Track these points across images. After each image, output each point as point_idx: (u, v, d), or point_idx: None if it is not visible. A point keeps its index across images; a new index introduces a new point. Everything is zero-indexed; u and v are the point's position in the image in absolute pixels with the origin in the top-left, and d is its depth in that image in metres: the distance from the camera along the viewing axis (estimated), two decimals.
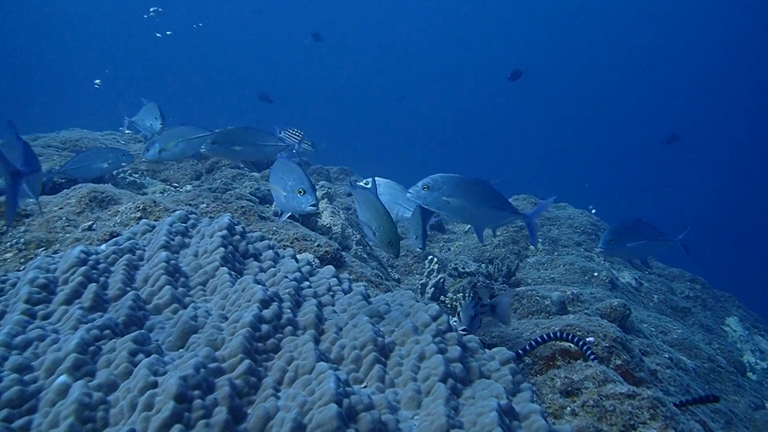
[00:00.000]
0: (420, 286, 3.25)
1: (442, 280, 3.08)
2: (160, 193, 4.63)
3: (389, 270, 4.14)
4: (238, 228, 1.95)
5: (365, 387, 1.49)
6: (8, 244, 2.03)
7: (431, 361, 1.51)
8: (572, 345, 2.49)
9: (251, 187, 4.19)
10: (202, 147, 2.96)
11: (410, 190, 2.61)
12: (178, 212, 1.97)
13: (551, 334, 2.10)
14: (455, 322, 1.91)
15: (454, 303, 2.70)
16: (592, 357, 2.00)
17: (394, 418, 1.35)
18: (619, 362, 2.44)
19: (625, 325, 3.31)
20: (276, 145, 3.10)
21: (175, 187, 4.92)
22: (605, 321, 2.82)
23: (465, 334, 1.71)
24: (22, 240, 2.04)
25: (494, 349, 1.71)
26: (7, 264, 1.95)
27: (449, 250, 4.96)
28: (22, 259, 1.98)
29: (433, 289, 3.05)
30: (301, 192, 2.14)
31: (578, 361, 1.77)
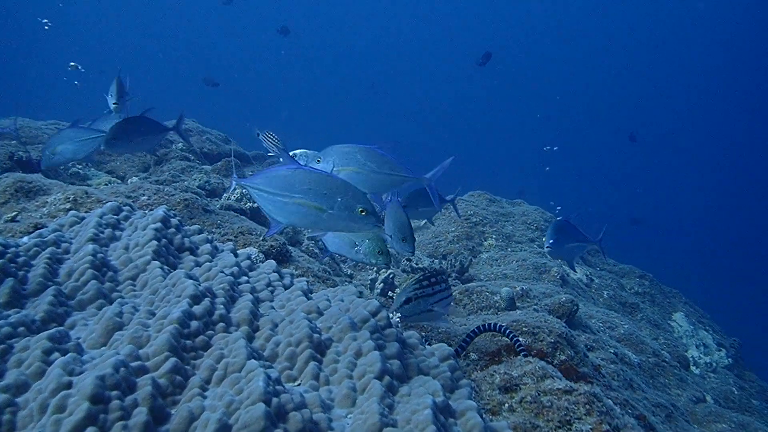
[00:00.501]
0: (369, 282, 3.22)
1: (391, 276, 3.05)
2: (105, 185, 4.46)
3: (341, 265, 4.09)
4: (174, 221, 1.87)
5: (299, 385, 1.44)
6: None
7: (368, 358, 1.47)
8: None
9: (200, 180, 4.07)
10: (102, 146, 2.87)
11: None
12: (109, 203, 1.88)
13: (482, 327, 2.09)
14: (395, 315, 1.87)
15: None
16: (520, 349, 1.99)
17: (327, 417, 1.31)
18: (563, 357, 2.45)
19: (573, 321, 3.35)
20: (166, 129, 3.04)
21: (122, 179, 4.75)
22: (552, 317, 2.84)
23: (401, 327, 1.68)
24: None
25: (434, 346, 1.68)
26: None
27: None
28: None
29: (382, 284, 3.02)
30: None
31: (519, 357, 1.76)
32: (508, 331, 1.99)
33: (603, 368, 2.84)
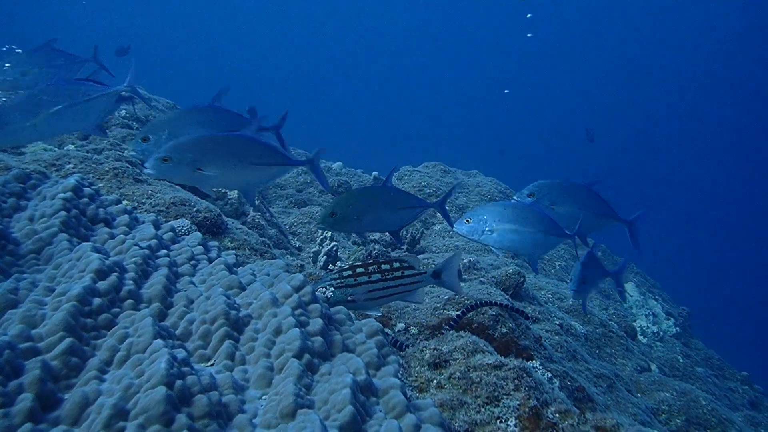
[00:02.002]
0: (312, 255, 3.13)
1: (335, 248, 2.97)
2: (41, 152, 4.23)
3: (290, 237, 3.99)
4: (88, 190, 1.74)
5: (212, 365, 1.36)
6: None
7: (287, 335, 1.39)
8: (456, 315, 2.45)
9: None
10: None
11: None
12: (15, 171, 1.73)
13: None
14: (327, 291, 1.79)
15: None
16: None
17: (239, 399, 1.23)
18: (504, 330, 2.43)
19: (520, 293, 3.34)
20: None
21: (59, 148, 4.52)
22: (495, 289, 2.81)
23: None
24: None
25: (363, 321, 1.61)
26: None
27: None
28: None
29: (325, 257, 2.94)
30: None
31: (451, 332, 1.71)
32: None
33: (546, 340, 2.84)
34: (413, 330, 2.34)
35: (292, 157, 2.31)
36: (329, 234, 3.04)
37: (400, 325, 2.34)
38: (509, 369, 1.54)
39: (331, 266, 2.67)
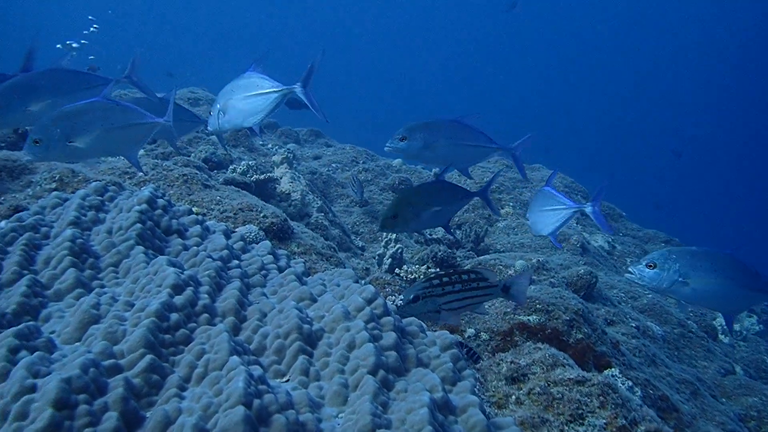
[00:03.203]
0: (377, 257, 3.11)
1: (400, 251, 2.94)
2: (113, 158, 4.39)
3: (353, 237, 3.99)
4: (161, 201, 1.77)
5: (287, 381, 1.34)
6: None
7: (361, 350, 1.36)
8: (530, 319, 2.37)
9: (206, 152, 3.97)
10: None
11: (387, 144, 2.51)
12: (94, 184, 1.78)
13: None
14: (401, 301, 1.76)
15: (412, 275, 2.56)
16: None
17: (315, 417, 1.21)
18: (579, 336, 2.33)
19: (592, 294, 3.21)
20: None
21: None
22: (567, 292, 2.71)
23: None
24: None
25: (436, 333, 1.57)
26: None
27: None
28: None
29: (390, 260, 2.91)
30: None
31: (528, 343, 1.64)
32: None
33: (623, 344, 2.71)
34: (484, 336, 2.28)
35: (152, 116, 2.26)
36: (393, 236, 3.01)
37: (470, 331, 2.29)
38: (593, 385, 1.46)
39: (397, 270, 2.65)
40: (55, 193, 1.76)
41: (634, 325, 3.07)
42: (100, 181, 1.85)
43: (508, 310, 2.43)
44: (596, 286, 3.16)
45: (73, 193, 1.97)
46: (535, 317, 2.36)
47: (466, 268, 2.97)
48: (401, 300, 1.86)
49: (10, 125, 2.99)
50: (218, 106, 2.39)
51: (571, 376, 1.48)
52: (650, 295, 4.06)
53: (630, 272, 2.20)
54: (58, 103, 2.21)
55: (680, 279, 2.09)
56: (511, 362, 1.55)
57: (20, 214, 1.67)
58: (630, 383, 2.19)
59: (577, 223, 4.89)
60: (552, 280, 3.02)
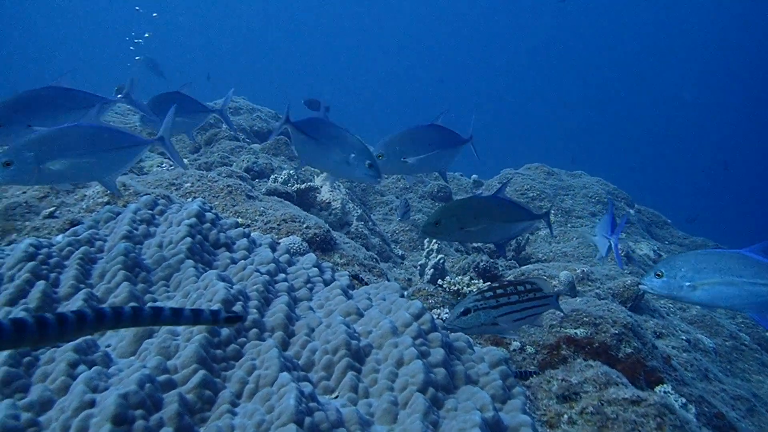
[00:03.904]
0: (419, 267, 3.09)
1: (441, 261, 2.91)
2: (158, 167, 4.49)
3: (393, 246, 3.98)
4: (209, 215, 1.80)
5: (336, 397, 1.34)
6: None
7: (410, 367, 1.35)
8: (577, 333, 2.32)
9: (248, 161, 4.02)
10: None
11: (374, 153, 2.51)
12: (144, 198, 1.82)
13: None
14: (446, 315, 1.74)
15: (454, 286, 2.54)
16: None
17: None
18: (629, 350, 2.27)
19: (639, 305, 3.13)
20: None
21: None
22: (616, 304, 2.64)
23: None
24: None
25: (484, 349, 1.55)
26: None
27: None
28: None
29: (432, 270, 2.89)
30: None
31: (578, 360, 1.60)
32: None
33: (674, 358, 2.63)
34: (529, 349, 2.24)
35: (138, 138, 2.15)
36: (435, 246, 2.99)
37: (516, 344, 2.25)
38: (649, 405, 1.41)
39: (439, 281, 2.62)
40: (107, 207, 1.81)
41: (684, 337, 2.98)
42: (149, 194, 1.89)
43: (554, 322, 2.38)
44: (644, 297, 3.08)
45: (124, 206, 2.01)
46: (582, 330, 2.31)
47: (510, 278, 2.92)
48: (448, 314, 1.84)
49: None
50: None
51: (626, 396, 1.44)
52: (699, 306, 3.93)
53: (643, 284, 2.12)
54: (59, 121, 2.22)
55: (687, 284, 2.02)
56: (562, 380, 1.52)
57: (75, 228, 1.71)
58: (683, 400, 2.12)
59: (621, 232, 4.78)
60: (598, 291, 2.95)
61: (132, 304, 1.50)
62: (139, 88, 2.71)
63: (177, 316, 0.83)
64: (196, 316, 0.84)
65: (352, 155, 2.27)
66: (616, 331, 2.29)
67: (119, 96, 2.63)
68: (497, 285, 1.70)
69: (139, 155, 2.16)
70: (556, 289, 1.77)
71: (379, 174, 2.32)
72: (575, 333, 2.32)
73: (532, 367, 2.11)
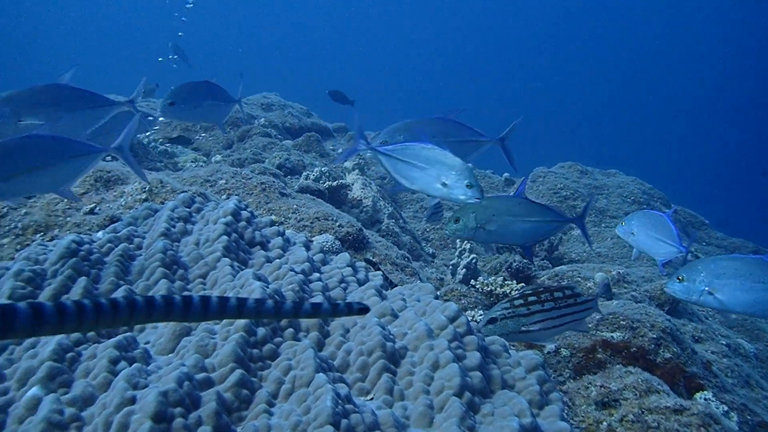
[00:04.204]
0: (451, 267, 3.07)
1: (474, 261, 2.89)
2: (192, 162, 4.55)
3: (424, 244, 3.97)
4: (245, 213, 1.81)
5: (372, 399, 1.34)
6: (6, 228, 1.95)
7: (446, 371, 1.34)
8: (613, 336, 2.28)
9: (281, 158, 4.05)
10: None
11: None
12: (181, 195, 1.84)
13: None
14: (481, 316, 1.72)
15: (487, 287, 2.52)
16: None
17: None
18: (667, 355, 2.22)
19: (677, 308, 3.06)
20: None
21: (207, 155, 4.83)
22: (653, 307, 2.58)
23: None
24: (20, 224, 1.96)
25: (520, 353, 1.53)
26: (3, 250, 1.87)
27: None
28: (18, 246, 1.91)
29: (464, 270, 2.86)
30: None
31: (617, 366, 1.57)
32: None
33: (714, 364, 2.56)
34: (564, 352, 2.21)
35: (93, 146, 2.03)
36: (467, 246, 2.96)
37: (550, 347, 2.22)
38: (692, 414, 1.38)
39: (472, 281, 2.60)
40: (146, 204, 1.83)
41: (724, 342, 2.90)
42: (186, 192, 1.91)
43: (590, 325, 2.34)
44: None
45: (161, 203, 2.04)
46: (618, 334, 2.27)
47: (545, 281, 2.88)
48: (482, 316, 1.82)
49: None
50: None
51: (668, 404, 1.40)
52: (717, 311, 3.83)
53: (666, 288, 2.15)
54: (56, 118, 2.20)
55: (706, 289, 2.04)
56: (601, 386, 1.49)
57: (115, 225, 1.74)
58: (725, 408, 2.06)
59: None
60: (634, 293, 2.89)
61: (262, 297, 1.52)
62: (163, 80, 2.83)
63: (317, 310, 0.85)
64: (334, 309, 0.86)
65: (451, 175, 2.19)
66: (654, 336, 2.24)
67: (127, 100, 2.54)
68: (529, 291, 1.67)
69: (93, 164, 2.04)
70: (591, 292, 1.73)
71: (482, 193, 2.23)
72: (612, 336, 2.28)
73: (567, 371, 2.08)
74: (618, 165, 5.73)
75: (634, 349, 2.21)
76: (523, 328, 1.62)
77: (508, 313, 1.60)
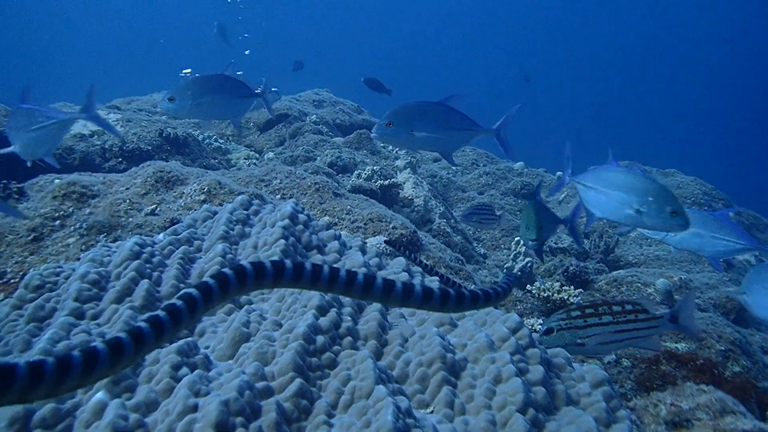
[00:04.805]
0: (505, 270, 3.01)
1: (529, 265, 2.82)
2: (244, 159, 4.61)
3: (475, 244, 3.91)
4: (302, 216, 1.80)
5: (432, 413, 1.31)
6: (71, 228, 2.01)
7: (508, 385, 1.29)
8: (678, 347, 2.19)
9: (332, 156, 4.05)
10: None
11: (373, 131, 2.57)
12: (240, 198, 1.84)
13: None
14: (540, 325, 1.67)
15: (544, 293, 2.44)
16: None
17: None
18: (737, 369, 2.12)
19: (744, 317, 2.91)
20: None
21: (260, 152, 4.89)
22: (720, 317, 2.47)
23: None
24: (84, 224, 2.01)
25: (585, 368, 1.47)
26: (69, 250, 1.92)
27: None
28: (83, 246, 1.96)
29: (519, 273, 2.79)
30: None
31: (688, 383, 1.49)
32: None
33: None
34: (625, 362, 2.13)
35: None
36: (523, 249, 2.89)
37: (611, 356, 2.14)
38: None
39: (528, 286, 2.54)
40: (205, 206, 1.85)
41: None
42: (244, 194, 1.92)
43: None
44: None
45: (219, 204, 2.06)
46: (684, 345, 2.18)
47: (603, 286, 2.79)
48: (541, 324, 1.77)
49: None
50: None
51: (747, 428, 1.32)
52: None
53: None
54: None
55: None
56: (672, 404, 1.42)
57: (175, 227, 1.76)
58: None
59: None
60: (698, 301, 2.77)
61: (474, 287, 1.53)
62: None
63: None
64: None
65: (649, 201, 2.05)
66: (722, 348, 2.14)
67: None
68: (588, 303, 1.61)
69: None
70: (675, 307, 1.63)
71: (688, 222, 2.09)
72: (676, 347, 2.19)
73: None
74: (677, 164, 5.51)
75: (701, 361, 2.11)
76: (578, 341, 1.56)
77: (565, 324, 1.55)
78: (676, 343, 2.19)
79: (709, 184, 5.10)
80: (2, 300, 1.72)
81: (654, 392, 1.54)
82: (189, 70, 5.41)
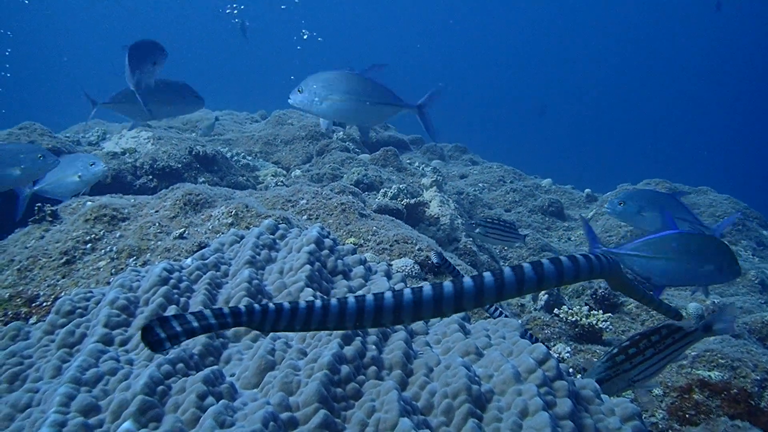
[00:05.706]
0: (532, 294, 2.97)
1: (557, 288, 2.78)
2: (272, 176, 4.66)
3: (502, 263, 3.87)
4: (328, 241, 1.81)
5: None
6: (102, 251, 2.05)
7: (535, 420, 1.27)
8: (710, 375, 2.13)
9: (359, 173, 4.07)
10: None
11: (290, 97, 2.57)
12: (266, 222, 1.86)
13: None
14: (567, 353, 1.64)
15: (572, 317, 2.40)
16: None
17: None
18: None
19: None
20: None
21: (287, 170, 4.94)
22: (756, 345, 2.40)
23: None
24: (115, 248, 2.06)
25: (615, 401, 1.44)
26: (100, 273, 1.96)
27: (569, 239, 4.57)
28: (113, 270, 1.99)
29: (546, 296, 2.76)
30: None
31: (723, 418, 1.45)
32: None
33: None
34: (656, 390, 2.07)
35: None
36: None
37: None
38: None
39: (556, 309, 2.50)
40: (232, 230, 1.87)
41: None
42: (270, 217, 1.94)
43: (685, 362, 2.20)
44: None
45: (246, 227, 2.07)
46: (717, 373, 2.12)
47: (632, 309, 2.74)
48: (569, 351, 1.74)
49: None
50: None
51: None
52: None
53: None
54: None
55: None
56: None
57: (203, 251, 1.78)
58: None
59: (753, 255, 4.35)
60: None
61: None
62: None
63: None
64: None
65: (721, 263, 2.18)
66: (758, 377, 2.07)
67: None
68: (628, 344, 1.60)
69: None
70: (708, 319, 1.64)
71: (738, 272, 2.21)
72: (709, 376, 2.13)
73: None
74: (710, 182, 5.40)
75: (735, 391, 2.05)
76: (630, 383, 1.57)
77: (613, 372, 1.56)
78: (709, 371, 2.14)
79: (742, 202, 4.99)
80: (35, 323, 1.76)
81: (686, 426, 1.50)
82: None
